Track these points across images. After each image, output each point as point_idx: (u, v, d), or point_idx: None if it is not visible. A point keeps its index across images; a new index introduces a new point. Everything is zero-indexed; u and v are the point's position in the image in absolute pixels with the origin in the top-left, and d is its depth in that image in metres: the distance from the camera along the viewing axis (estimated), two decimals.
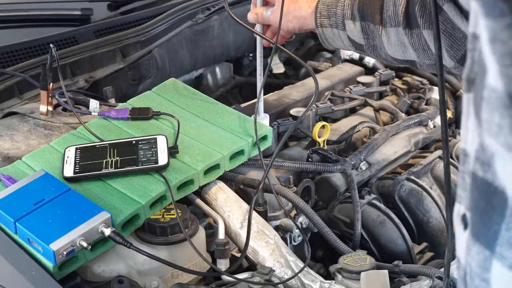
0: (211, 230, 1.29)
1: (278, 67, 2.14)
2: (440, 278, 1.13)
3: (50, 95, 1.46)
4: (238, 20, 1.39)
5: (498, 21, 0.49)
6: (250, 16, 1.43)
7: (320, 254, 1.42)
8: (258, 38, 1.43)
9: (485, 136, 0.54)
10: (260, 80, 1.43)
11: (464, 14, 1.08)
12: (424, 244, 1.45)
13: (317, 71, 1.93)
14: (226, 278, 1.16)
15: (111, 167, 1.24)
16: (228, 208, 1.28)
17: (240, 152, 1.35)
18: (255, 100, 1.50)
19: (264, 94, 1.47)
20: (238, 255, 1.27)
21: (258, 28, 1.44)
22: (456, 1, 1.08)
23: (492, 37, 0.50)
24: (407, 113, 1.77)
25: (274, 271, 1.18)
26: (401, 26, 1.20)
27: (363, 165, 1.49)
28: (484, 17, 0.51)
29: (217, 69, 2.16)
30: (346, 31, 1.30)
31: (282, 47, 1.45)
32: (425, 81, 1.86)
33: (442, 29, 1.12)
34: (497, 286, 0.55)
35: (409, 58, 1.24)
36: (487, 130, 0.53)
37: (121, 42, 1.81)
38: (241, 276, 1.15)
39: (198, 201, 1.30)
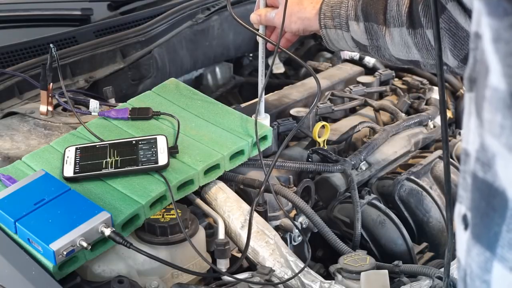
0: (211, 230, 1.29)
1: (278, 67, 2.14)
2: (440, 278, 1.14)
3: (50, 95, 1.46)
4: (242, 23, 1.38)
5: (501, 21, 0.49)
6: (253, 18, 1.43)
7: (320, 254, 1.42)
8: (260, 39, 1.43)
9: (486, 137, 0.53)
10: (261, 81, 1.43)
11: (468, 13, 1.08)
12: (424, 244, 1.45)
13: (317, 71, 1.93)
14: (226, 278, 1.16)
15: (111, 167, 1.24)
16: (228, 208, 1.28)
17: (240, 152, 1.35)
18: (255, 100, 1.50)
19: (264, 94, 1.46)
20: (238, 255, 1.27)
21: (261, 29, 1.43)
22: (460, 0, 1.08)
23: (495, 36, 0.50)
24: (407, 113, 1.77)
25: (274, 271, 1.18)
26: (405, 26, 1.20)
27: (363, 165, 1.49)
28: (487, 16, 0.50)
29: (217, 69, 2.16)
30: (350, 32, 1.29)
31: (283, 49, 1.44)
32: (425, 81, 1.86)
33: (446, 28, 1.11)
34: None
35: (412, 58, 1.24)
36: (489, 130, 0.53)
37: (121, 42, 1.81)
38: (241, 276, 1.15)
39: (198, 201, 1.30)
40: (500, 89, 0.50)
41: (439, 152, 1.62)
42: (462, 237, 0.59)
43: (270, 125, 1.45)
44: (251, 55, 2.25)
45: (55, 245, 1.05)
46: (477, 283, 0.57)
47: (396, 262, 1.20)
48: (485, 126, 0.53)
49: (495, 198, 0.53)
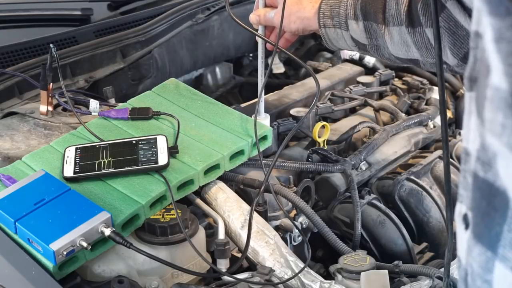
0: (211, 230, 1.29)
1: (278, 67, 2.14)
2: (440, 278, 1.13)
3: (50, 95, 1.46)
4: (241, 23, 1.38)
5: (503, 20, 0.49)
6: (252, 18, 1.43)
7: (320, 254, 1.42)
8: (259, 39, 1.43)
9: (487, 136, 0.53)
10: (261, 80, 1.43)
11: (467, 11, 1.08)
12: (424, 244, 1.45)
13: (317, 71, 1.93)
14: (226, 278, 1.16)
15: (111, 167, 1.24)
16: (228, 208, 1.28)
17: (240, 152, 1.35)
18: (255, 100, 1.50)
19: (264, 94, 1.46)
20: (238, 255, 1.27)
21: (260, 29, 1.43)
22: None
23: (497, 36, 0.50)
24: (407, 113, 1.77)
25: (274, 271, 1.17)
26: (404, 24, 1.20)
27: (363, 165, 1.49)
28: (489, 16, 0.50)
29: (217, 69, 2.16)
30: (349, 31, 1.30)
31: (282, 49, 1.44)
32: (425, 81, 1.86)
33: (445, 27, 1.11)
34: (499, 287, 0.55)
35: (412, 57, 1.24)
36: (490, 129, 0.53)
37: (121, 42, 1.81)
38: (241, 276, 1.15)
39: (198, 201, 1.30)
40: (502, 89, 0.50)
41: (439, 152, 1.62)
42: (463, 237, 0.59)
43: (270, 125, 1.45)
44: (251, 55, 2.25)
45: (55, 245, 1.05)
46: (478, 283, 0.57)
47: (396, 262, 1.20)
48: (486, 125, 0.53)
49: (496, 198, 0.53)
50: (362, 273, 1.14)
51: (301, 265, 1.19)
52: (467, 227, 0.58)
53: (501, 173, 0.52)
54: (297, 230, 1.31)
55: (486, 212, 0.55)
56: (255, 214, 1.27)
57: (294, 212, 1.36)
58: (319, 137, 1.50)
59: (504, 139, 0.51)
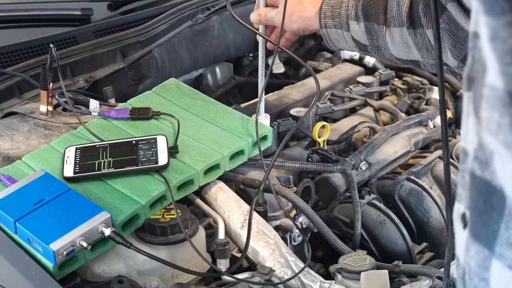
0: (211, 230, 1.29)
1: (278, 67, 2.14)
2: (440, 278, 1.13)
3: (50, 95, 1.46)
4: (243, 22, 1.38)
5: (498, 19, 0.49)
6: (253, 17, 1.43)
7: (320, 254, 1.42)
8: (260, 38, 1.43)
9: (484, 135, 0.53)
10: (261, 81, 1.43)
11: (468, 13, 1.08)
12: (424, 244, 1.44)
13: (317, 71, 1.92)
14: (226, 278, 1.16)
15: (111, 167, 1.24)
16: (228, 208, 1.28)
17: (240, 152, 1.35)
18: (255, 100, 1.50)
19: (264, 94, 1.46)
20: (238, 255, 1.27)
21: (260, 29, 1.43)
22: (460, 0, 1.08)
23: (492, 35, 0.50)
24: (407, 113, 1.77)
25: (274, 271, 1.18)
26: (405, 26, 1.20)
27: (363, 165, 1.49)
28: (484, 15, 0.50)
29: (217, 69, 2.16)
30: (350, 31, 1.30)
31: (284, 48, 1.44)
32: (425, 81, 1.86)
33: (446, 29, 1.12)
34: (496, 285, 0.55)
35: (413, 58, 1.24)
36: (486, 128, 0.53)
37: (121, 42, 1.81)
38: (241, 276, 1.15)
39: (198, 201, 1.30)
40: (498, 87, 0.50)
41: (439, 152, 1.62)
42: (461, 236, 0.59)
43: (270, 125, 1.45)
44: (251, 55, 2.25)
45: (55, 245, 1.05)
46: (475, 281, 0.57)
47: (396, 262, 1.20)
48: (482, 124, 0.53)
49: (493, 196, 0.53)
50: (362, 273, 1.14)
51: (301, 265, 1.19)
52: (465, 226, 0.59)
53: (498, 172, 0.52)
54: (297, 230, 1.31)
55: (483, 211, 0.55)
56: (255, 214, 1.27)
57: (294, 212, 1.36)
58: (319, 137, 1.50)
59: (501, 137, 0.51)
